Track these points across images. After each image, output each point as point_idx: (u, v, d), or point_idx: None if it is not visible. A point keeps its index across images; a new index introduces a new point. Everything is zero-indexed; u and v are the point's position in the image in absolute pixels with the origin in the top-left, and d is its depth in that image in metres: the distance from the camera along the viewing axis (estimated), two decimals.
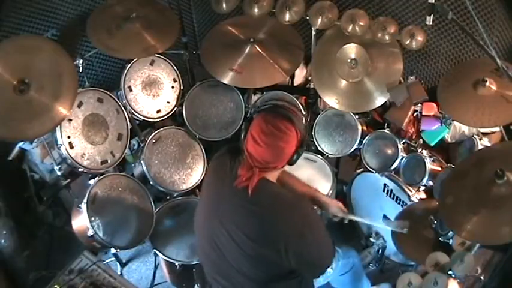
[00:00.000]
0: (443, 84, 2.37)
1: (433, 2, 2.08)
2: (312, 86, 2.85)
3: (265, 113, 1.66)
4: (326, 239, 1.76)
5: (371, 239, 2.78)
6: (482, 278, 1.98)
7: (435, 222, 2.17)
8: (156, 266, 2.76)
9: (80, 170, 2.49)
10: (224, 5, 2.77)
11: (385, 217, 2.72)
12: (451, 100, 2.30)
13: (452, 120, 2.58)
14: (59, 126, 2.36)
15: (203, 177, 2.83)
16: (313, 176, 2.66)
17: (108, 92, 2.62)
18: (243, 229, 1.65)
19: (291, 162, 1.69)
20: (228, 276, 1.77)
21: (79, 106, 2.47)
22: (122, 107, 2.67)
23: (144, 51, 2.60)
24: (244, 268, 1.70)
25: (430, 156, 2.48)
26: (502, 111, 2.16)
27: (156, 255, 2.49)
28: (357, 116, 2.74)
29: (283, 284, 1.75)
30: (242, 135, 1.70)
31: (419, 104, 2.55)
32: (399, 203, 2.60)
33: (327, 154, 2.83)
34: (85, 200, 2.36)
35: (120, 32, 2.54)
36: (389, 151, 2.61)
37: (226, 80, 2.69)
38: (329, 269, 2.01)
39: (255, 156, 1.62)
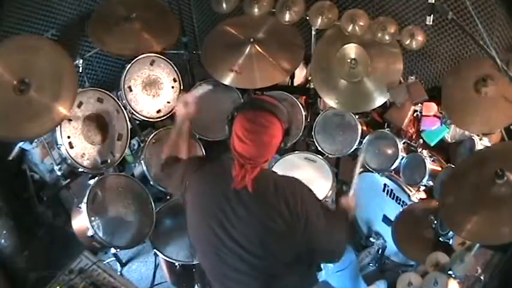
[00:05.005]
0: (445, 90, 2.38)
1: (433, 2, 2.08)
2: (312, 86, 2.85)
3: (245, 110, 1.65)
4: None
5: (371, 239, 2.79)
6: (482, 278, 1.98)
7: (435, 222, 2.17)
8: (156, 266, 2.76)
9: (80, 170, 2.50)
10: (224, 5, 2.77)
11: (385, 217, 2.72)
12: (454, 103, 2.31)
13: None
14: (59, 126, 2.36)
15: None
16: (313, 176, 2.66)
17: (108, 92, 2.62)
18: (257, 225, 1.64)
19: (279, 152, 1.71)
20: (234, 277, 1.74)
21: (79, 106, 2.47)
22: (122, 107, 2.67)
23: (143, 51, 2.60)
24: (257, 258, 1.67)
25: (430, 156, 2.48)
26: (502, 111, 2.17)
27: (156, 255, 2.49)
28: (357, 116, 2.74)
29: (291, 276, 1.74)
30: (227, 136, 1.70)
31: (419, 104, 2.55)
32: (399, 203, 2.59)
33: (327, 154, 2.83)
34: (85, 200, 2.36)
35: (119, 31, 2.54)
36: (390, 151, 2.61)
37: (226, 81, 2.67)
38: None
39: (244, 154, 1.62)
